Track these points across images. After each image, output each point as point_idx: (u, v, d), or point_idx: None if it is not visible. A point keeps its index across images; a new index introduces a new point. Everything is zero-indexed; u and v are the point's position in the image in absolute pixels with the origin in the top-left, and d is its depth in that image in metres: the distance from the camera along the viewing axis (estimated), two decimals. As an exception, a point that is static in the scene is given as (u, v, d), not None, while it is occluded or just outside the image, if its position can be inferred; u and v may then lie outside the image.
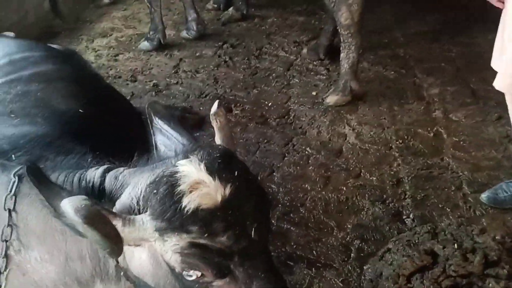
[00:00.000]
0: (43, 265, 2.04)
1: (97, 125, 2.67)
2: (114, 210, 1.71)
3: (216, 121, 1.90)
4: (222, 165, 1.63)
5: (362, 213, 3.32)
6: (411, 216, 3.25)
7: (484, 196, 3.25)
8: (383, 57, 5.16)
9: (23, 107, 2.69)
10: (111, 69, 5.31)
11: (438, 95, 4.52)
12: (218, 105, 1.90)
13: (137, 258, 1.84)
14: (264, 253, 1.68)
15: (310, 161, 3.85)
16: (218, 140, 1.93)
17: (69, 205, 1.55)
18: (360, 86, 4.48)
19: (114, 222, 1.64)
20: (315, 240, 3.15)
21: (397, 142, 3.97)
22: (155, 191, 1.65)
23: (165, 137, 2.12)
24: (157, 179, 1.67)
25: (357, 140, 4.05)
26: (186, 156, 1.71)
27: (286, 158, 3.90)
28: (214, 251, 1.58)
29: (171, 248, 1.63)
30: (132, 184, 1.82)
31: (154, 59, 5.49)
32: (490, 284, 2.31)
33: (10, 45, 3.22)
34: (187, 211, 1.57)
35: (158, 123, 2.17)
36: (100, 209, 1.59)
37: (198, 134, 4.13)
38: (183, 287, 1.72)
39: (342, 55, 4.40)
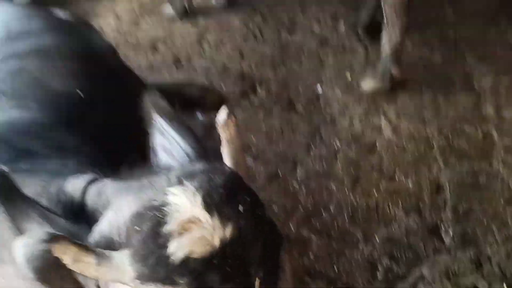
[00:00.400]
0: (18, 281, 1.79)
1: (96, 115, 2.34)
2: (91, 238, 1.40)
3: (224, 132, 1.53)
4: (225, 197, 1.29)
5: (394, 224, 2.93)
6: (450, 232, 2.84)
7: None
8: (429, 38, 4.57)
9: (14, 88, 2.38)
10: (131, 36, 4.94)
11: (490, 87, 3.96)
12: (227, 112, 1.52)
13: None
14: None
15: (338, 156, 3.44)
16: (225, 157, 1.57)
17: (21, 251, 1.22)
18: (401, 72, 3.97)
19: (87, 259, 1.32)
20: (338, 253, 2.79)
21: (440, 141, 3.50)
22: (137, 227, 1.31)
23: (166, 140, 1.77)
24: (141, 211, 1.32)
25: (393, 135, 3.59)
26: (180, 181, 1.36)
27: (311, 151, 3.50)
28: None
29: None
30: (115, 207, 1.48)
31: (177, 27, 5.06)
32: None
33: (8, 12, 2.87)
34: (174, 260, 1.24)
35: (158, 122, 1.82)
36: (67, 246, 1.28)
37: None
38: None
39: (383, 35, 3.88)
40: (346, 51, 4.55)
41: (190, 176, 1.36)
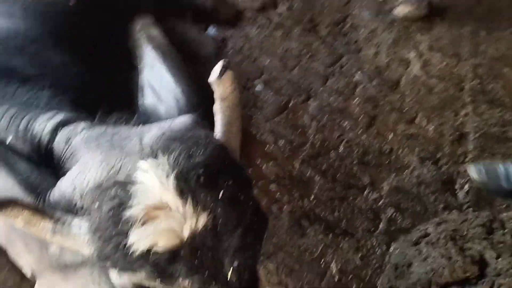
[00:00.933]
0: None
1: (85, 36, 2.07)
2: (51, 194, 1.24)
3: (218, 88, 1.29)
4: (203, 180, 1.08)
5: (406, 172, 2.71)
6: (466, 188, 2.61)
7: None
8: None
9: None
10: None
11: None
12: (223, 67, 1.26)
13: None
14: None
15: (357, 90, 3.15)
16: (217, 119, 1.33)
17: None
18: (441, -2, 3.51)
19: (42, 225, 1.17)
20: (340, 198, 2.62)
21: (472, 83, 3.14)
22: (98, 203, 1.12)
23: (156, 79, 1.55)
24: (105, 185, 1.12)
25: (422, 71, 3.24)
26: (154, 153, 1.14)
27: (328, 82, 3.20)
28: None
29: (113, 277, 1.18)
30: (81, 164, 1.29)
31: None
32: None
33: None
34: (134, 251, 1.07)
35: (150, 56, 1.59)
36: (19, 210, 1.14)
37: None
38: None
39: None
40: (383, -33, 4.03)
41: (167, 146, 1.13)
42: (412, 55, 3.34)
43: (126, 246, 1.04)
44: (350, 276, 2.32)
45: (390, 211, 2.55)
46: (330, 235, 2.47)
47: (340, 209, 2.58)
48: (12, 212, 1.12)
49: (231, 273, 1.12)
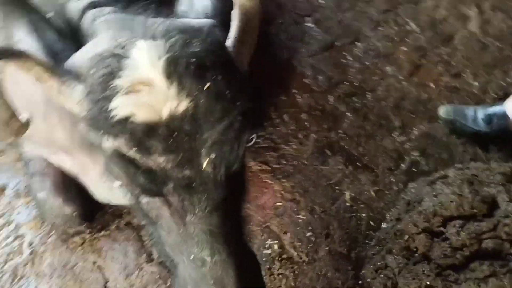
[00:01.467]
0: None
1: None
2: (67, 62, 1.39)
3: None
4: (193, 69, 1.16)
5: (439, 122, 2.68)
6: (497, 145, 2.55)
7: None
8: None
9: None
10: None
11: None
12: None
13: None
14: (218, 192, 1.27)
15: (407, 39, 3.10)
16: (232, 25, 1.41)
17: None
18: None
19: (50, 82, 1.34)
20: (368, 135, 2.65)
21: (531, 47, 3.00)
22: (94, 70, 1.26)
23: None
24: (103, 54, 1.26)
25: (479, 29, 3.12)
26: (154, 36, 1.25)
27: (379, 28, 3.17)
28: (143, 170, 1.22)
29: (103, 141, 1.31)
30: (96, 39, 1.44)
31: None
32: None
33: None
34: (113, 117, 1.18)
35: None
36: (32, 64, 1.29)
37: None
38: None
39: None
40: None
41: (167, 32, 1.23)
42: (473, 12, 3.22)
43: (108, 110, 1.16)
44: (362, 205, 2.38)
45: (415, 154, 2.56)
46: (350, 167, 2.51)
47: (365, 146, 2.61)
48: (25, 64, 1.28)
49: (207, 164, 1.22)
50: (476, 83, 2.85)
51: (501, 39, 3.07)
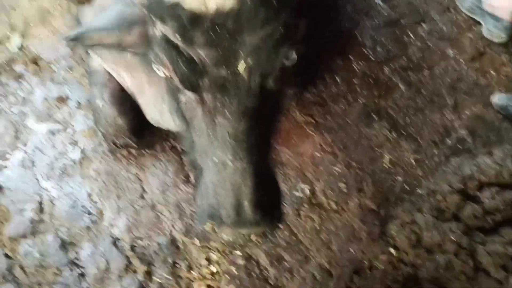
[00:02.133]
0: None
1: None
2: None
3: None
4: None
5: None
6: (552, 137, 2.48)
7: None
8: None
9: None
10: None
11: None
12: None
13: None
14: (250, 99, 1.37)
15: (474, 28, 3.06)
16: None
17: None
18: None
19: None
20: (419, 109, 2.65)
21: None
22: None
23: None
24: None
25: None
26: None
27: (448, 13, 3.15)
28: (185, 59, 1.33)
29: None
30: None
31: None
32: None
33: None
34: (166, 2, 1.28)
35: None
36: None
37: None
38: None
39: None
40: None
41: None
42: (548, 11, 3.13)
43: None
44: (400, 169, 2.39)
45: (463, 132, 2.53)
46: (394, 133, 2.53)
47: (413, 117, 2.61)
48: None
49: (243, 68, 1.30)
50: (539, 78, 2.78)
51: None
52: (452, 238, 1.79)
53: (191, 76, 1.38)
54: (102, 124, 2.36)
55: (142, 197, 2.33)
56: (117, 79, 2.36)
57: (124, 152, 2.44)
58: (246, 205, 1.43)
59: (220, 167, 1.44)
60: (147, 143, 2.47)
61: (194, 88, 1.41)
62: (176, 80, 1.44)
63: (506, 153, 2.12)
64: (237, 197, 1.43)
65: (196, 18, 1.27)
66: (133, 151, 2.44)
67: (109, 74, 2.38)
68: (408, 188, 2.31)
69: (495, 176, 1.92)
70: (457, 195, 1.91)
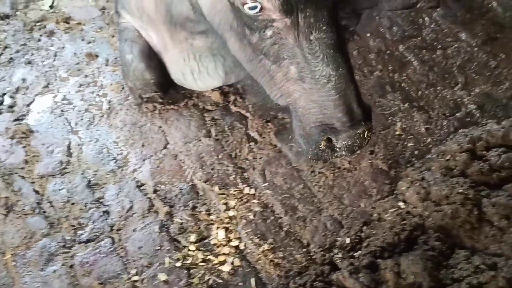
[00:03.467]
0: None
1: None
2: None
3: None
4: None
5: (502, 87, 2.76)
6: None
7: None
8: None
9: None
10: None
11: None
12: None
13: None
14: (333, 12, 1.55)
15: (487, 15, 3.18)
16: None
17: None
18: None
19: None
20: (431, 84, 2.78)
21: None
22: None
23: None
24: None
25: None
26: None
27: (462, 1, 3.27)
28: None
29: None
30: None
31: None
32: None
33: None
34: None
35: None
36: None
37: None
38: (241, 25, 1.67)
39: None
40: None
41: None
42: (560, 4, 3.26)
43: None
44: (410, 136, 2.51)
45: (472, 107, 2.65)
46: (407, 105, 2.65)
47: (425, 91, 2.73)
48: None
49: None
50: (549, 63, 2.91)
51: None
52: (460, 190, 1.90)
53: None
54: (130, 78, 2.49)
55: (166, 147, 2.45)
56: (145, 37, 2.49)
57: (150, 105, 2.56)
58: (355, 107, 1.58)
59: (324, 80, 1.56)
60: (171, 99, 2.59)
61: (292, 9, 1.52)
62: (272, 7, 1.53)
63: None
64: (346, 102, 1.57)
65: None
66: (158, 105, 2.57)
67: (138, 32, 2.51)
68: (418, 153, 2.44)
69: (502, 138, 2.03)
70: (466, 154, 2.03)
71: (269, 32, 1.61)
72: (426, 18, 3.16)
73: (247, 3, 1.54)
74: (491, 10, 3.22)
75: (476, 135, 2.10)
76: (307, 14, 1.54)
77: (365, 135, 1.62)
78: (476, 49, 2.97)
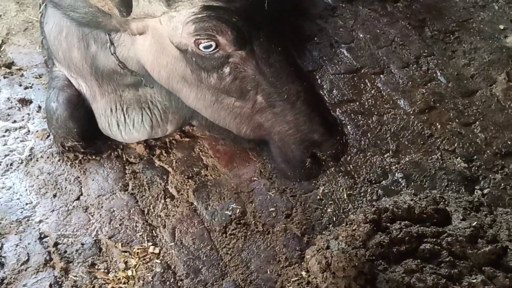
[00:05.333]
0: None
1: None
2: None
3: None
4: None
5: (433, 157, 2.74)
6: (485, 191, 2.56)
7: None
8: None
9: None
10: None
11: None
12: None
13: (139, 46, 1.83)
14: (281, 33, 1.60)
15: (429, 84, 3.23)
16: None
17: None
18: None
19: None
20: (361, 150, 2.75)
21: (550, 120, 3.01)
22: None
23: None
24: None
25: (503, 92, 3.20)
26: None
27: (407, 68, 3.33)
28: (231, 12, 1.51)
29: (181, 20, 1.56)
30: None
31: None
32: None
33: None
34: None
35: None
36: None
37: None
38: (196, 70, 1.67)
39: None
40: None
41: None
42: (501, 77, 3.31)
43: None
44: (331, 202, 2.45)
45: (398, 175, 2.62)
46: (333, 168, 2.61)
47: (355, 156, 2.71)
48: None
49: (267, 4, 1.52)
50: (482, 135, 2.90)
51: (518, 105, 3.12)
52: (355, 264, 1.83)
53: (239, 25, 1.52)
54: (53, 126, 2.47)
55: (78, 198, 2.39)
56: (76, 86, 2.50)
57: (71, 155, 2.52)
58: (328, 116, 1.65)
59: (293, 99, 1.59)
60: (96, 149, 2.56)
61: (247, 40, 1.55)
62: (227, 41, 1.54)
63: (428, 194, 2.19)
64: (320, 113, 1.62)
65: None
66: (79, 155, 2.53)
67: (68, 80, 2.53)
68: (335, 220, 2.37)
69: (407, 211, 1.98)
70: (369, 225, 1.97)
71: (227, 69, 1.63)
72: (368, 84, 3.19)
73: (201, 43, 1.56)
74: (434, 80, 3.26)
75: (383, 206, 2.04)
76: (261, 40, 1.58)
77: (345, 141, 1.66)
78: (412, 117, 2.98)
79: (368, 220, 2.00)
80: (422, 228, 1.93)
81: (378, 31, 3.62)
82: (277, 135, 1.67)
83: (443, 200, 2.16)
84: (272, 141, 1.72)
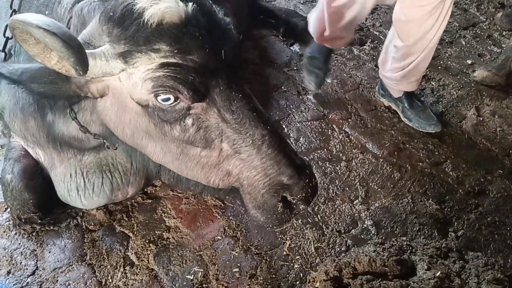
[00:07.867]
0: None
1: None
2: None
3: None
4: None
5: (404, 201, 2.66)
6: (459, 233, 2.46)
7: None
8: None
9: None
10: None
11: None
12: None
13: (101, 107, 1.82)
14: (240, 79, 1.62)
15: (398, 125, 3.19)
16: None
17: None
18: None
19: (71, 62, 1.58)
20: (329, 198, 2.67)
21: (522, 153, 2.95)
22: (111, 14, 1.56)
23: None
24: (112, 3, 1.57)
25: (473, 128, 3.16)
26: None
27: (374, 111, 3.30)
28: (188, 69, 1.51)
29: (140, 77, 1.56)
30: (94, 20, 1.72)
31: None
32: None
33: None
34: (151, 24, 1.47)
35: None
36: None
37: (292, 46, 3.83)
38: (159, 124, 1.66)
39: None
40: (488, 40, 4.06)
41: None
42: (470, 112, 3.28)
43: (144, 23, 1.46)
44: (298, 257, 2.35)
45: (368, 223, 2.53)
46: (300, 220, 2.53)
47: (323, 206, 2.62)
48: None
49: (223, 54, 1.55)
50: (454, 174, 2.83)
51: (492, 142, 3.07)
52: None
53: (197, 82, 1.53)
54: (8, 198, 2.41)
55: (34, 273, 2.29)
56: (33, 155, 2.46)
57: (28, 227, 2.44)
58: (295, 158, 1.63)
59: (259, 143, 1.59)
60: (54, 219, 2.48)
61: (204, 93, 1.55)
62: (185, 98, 1.55)
63: (393, 243, 2.10)
64: (286, 155, 1.60)
65: (179, 27, 1.47)
66: (37, 226, 2.45)
67: (25, 150, 2.48)
68: (302, 276, 2.26)
69: (368, 264, 1.88)
70: (331, 282, 1.87)
71: (189, 120, 1.62)
72: (336, 129, 3.15)
73: (159, 95, 1.56)
74: (403, 120, 3.22)
75: (344, 261, 1.94)
76: (221, 89, 1.58)
77: (314, 183, 1.62)
78: (381, 160, 2.92)
79: (329, 277, 1.89)
80: (384, 282, 1.82)
81: (345, 75, 3.63)
82: (246, 181, 1.66)
83: (410, 248, 2.05)
84: (242, 188, 1.70)
